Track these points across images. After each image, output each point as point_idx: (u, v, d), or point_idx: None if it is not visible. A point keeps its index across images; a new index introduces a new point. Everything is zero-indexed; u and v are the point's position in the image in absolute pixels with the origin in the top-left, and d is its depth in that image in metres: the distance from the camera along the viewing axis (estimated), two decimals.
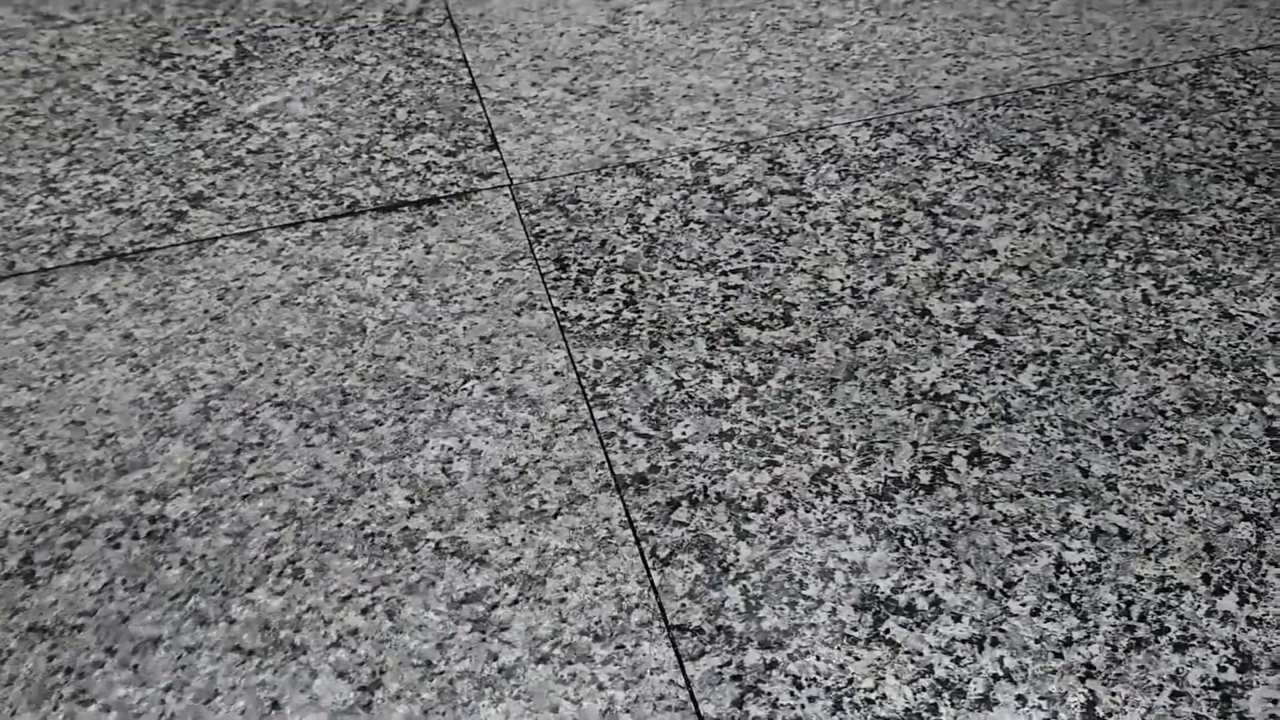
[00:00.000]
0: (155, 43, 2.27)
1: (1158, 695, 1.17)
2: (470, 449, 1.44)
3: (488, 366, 1.55)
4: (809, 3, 2.31)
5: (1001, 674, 1.19)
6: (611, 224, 1.78)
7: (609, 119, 2.01)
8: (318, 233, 1.79)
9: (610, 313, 1.63)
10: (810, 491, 1.38)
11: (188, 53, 2.23)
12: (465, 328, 1.61)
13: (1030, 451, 1.42)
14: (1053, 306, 1.61)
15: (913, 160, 1.89)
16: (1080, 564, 1.29)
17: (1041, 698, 1.17)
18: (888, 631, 1.23)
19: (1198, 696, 1.17)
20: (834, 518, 1.35)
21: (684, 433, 1.46)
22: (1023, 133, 1.94)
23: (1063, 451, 1.42)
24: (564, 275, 1.69)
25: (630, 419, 1.47)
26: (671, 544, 1.33)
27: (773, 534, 1.33)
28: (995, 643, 1.22)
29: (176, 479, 1.43)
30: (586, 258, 1.72)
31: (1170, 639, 1.22)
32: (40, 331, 1.63)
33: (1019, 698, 1.17)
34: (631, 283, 1.68)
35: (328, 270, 1.72)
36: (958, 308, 1.62)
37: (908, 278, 1.67)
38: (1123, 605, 1.25)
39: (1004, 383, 1.51)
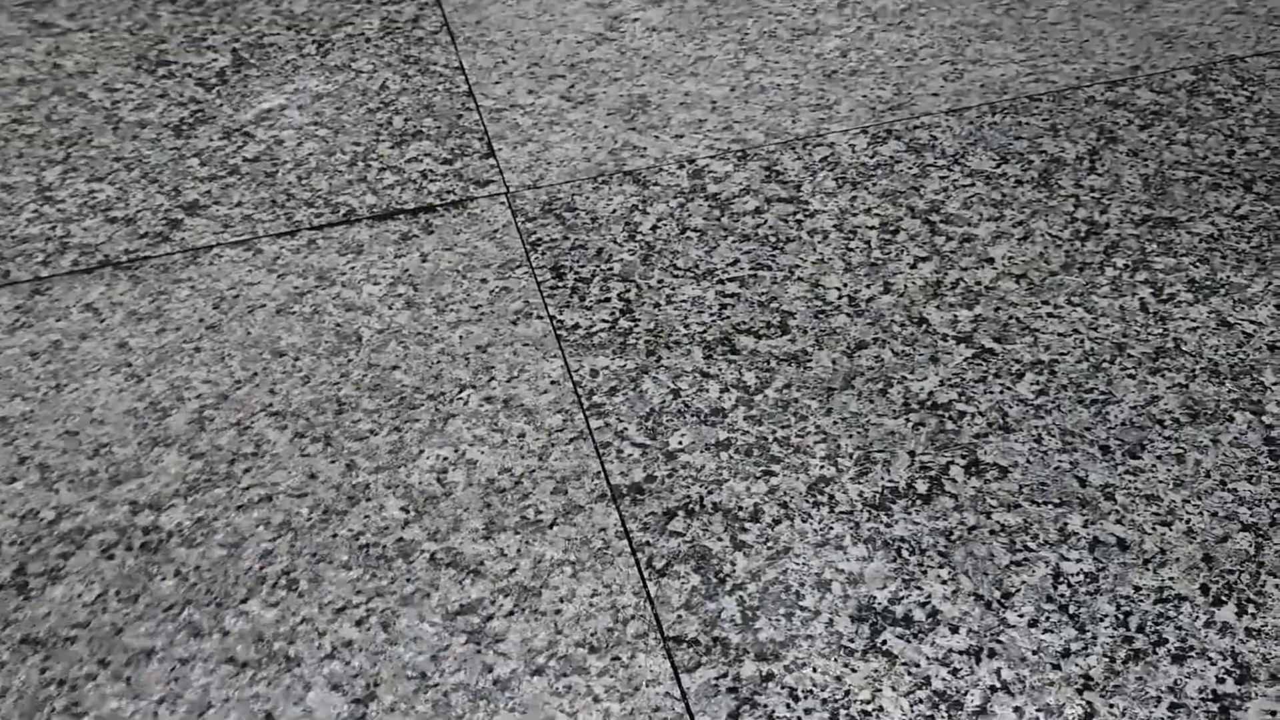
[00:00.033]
0: (151, 50, 2.27)
1: (1156, 707, 1.16)
2: (466, 459, 1.44)
3: (483, 375, 1.55)
4: (806, 10, 2.31)
5: (999, 686, 1.18)
6: (608, 232, 1.78)
7: (606, 126, 2.01)
8: (313, 241, 1.78)
9: (607, 321, 1.62)
10: (807, 501, 1.37)
11: (184, 60, 2.23)
12: (461, 336, 1.61)
13: (1028, 461, 1.41)
14: (1050, 315, 1.61)
15: (910, 168, 1.88)
16: (1078, 574, 1.28)
17: (1039, 710, 1.16)
18: (885, 643, 1.23)
19: (1196, 708, 1.16)
20: (831, 528, 1.34)
21: (680, 442, 1.45)
22: (1020, 140, 1.94)
23: (1060, 461, 1.41)
24: (560, 284, 1.69)
25: (626, 428, 1.47)
26: (668, 555, 1.32)
27: (769, 544, 1.33)
28: (993, 654, 1.21)
29: (171, 489, 1.42)
30: (583, 266, 1.72)
31: (1169, 650, 1.21)
32: (35, 341, 1.63)
33: (1016, 710, 1.16)
34: (628, 291, 1.67)
35: (323, 279, 1.71)
36: (955, 316, 1.61)
37: (905, 286, 1.66)
38: (1121, 616, 1.24)
39: (1001, 392, 1.50)
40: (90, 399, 1.54)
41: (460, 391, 1.53)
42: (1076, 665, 1.20)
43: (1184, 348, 1.55)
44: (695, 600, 1.27)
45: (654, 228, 1.78)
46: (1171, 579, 1.28)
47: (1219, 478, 1.39)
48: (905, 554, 1.31)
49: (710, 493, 1.39)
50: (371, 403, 1.52)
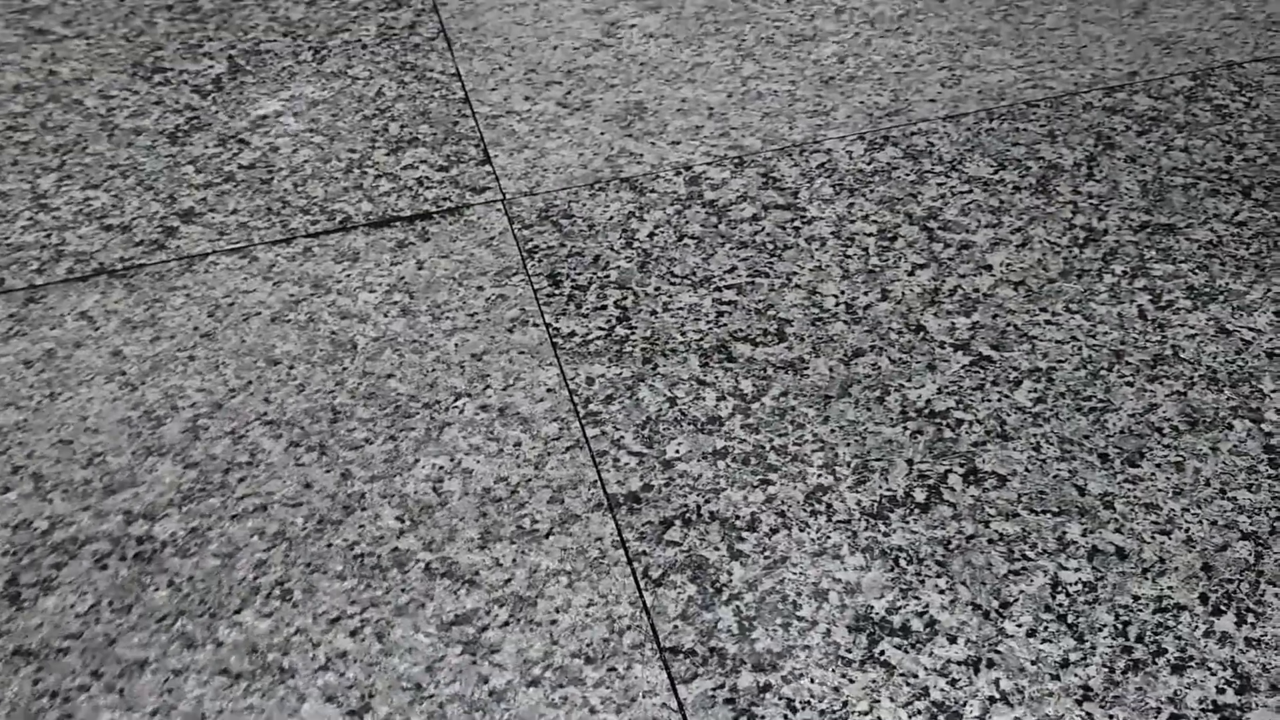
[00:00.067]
0: (148, 57, 2.26)
1: (1155, 718, 1.15)
2: (461, 468, 1.43)
3: (479, 384, 1.54)
4: (803, 16, 2.31)
5: (998, 696, 1.17)
6: (605, 239, 1.77)
7: (602, 133, 2.00)
8: (309, 249, 1.78)
9: (603, 329, 1.62)
10: (804, 510, 1.37)
11: (180, 67, 2.23)
12: (457, 344, 1.60)
13: (1026, 469, 1.41)
14: (1048, 322, 1.60)
15: (907, 174, 1.88)
16: (1077, 584, 1.28)
17: None
18: (882, 653, 1.22)
19: (1196, 719, 1.15)
20: (828, 537, 1.34)
21: (677, 451, 1.44)
22: (1018, 146, 1.93)
23: (1059, 469, 1.40)
24: (557, 291, 1.68)
25: (623, 437, 1.46)
26: (664, 564, 1.31)
27: (766, 554, 1.32)
28: (991, 664, 1.20)
29: (165, 499, 1.41)
30: (579, 273, 1.71)
31: (1168, 660, 1.20)
32: (29, 349, 1.62)
33: None
34: (625, 299, 1.67)
35: (319, 287, 1.70)
36: (953, 323, 1.60)
37: (903, 293, 1.66)
38: (1120, 626, 1.24)
39: (1000, 399, 1.49)
40: (84, 408, 1.53)
41: (456, 400, 1.52)
42: (1075, 675, 1.19)
43: (1183, 355, 1.55)
44: (692, 610, 1.26)
45: (651, 235, 1.78)
46: (1171, 588, 1.27)
47: (1218, 486, 1.38)
48: (903, 563, 1.31)
49: (707, 502, 1.38)
50: (366, 411, 1.51)
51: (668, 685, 1.19)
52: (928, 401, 1.50)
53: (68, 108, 2.13)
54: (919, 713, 1.16)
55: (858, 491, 1.39)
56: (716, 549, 1.33)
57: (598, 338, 1.60)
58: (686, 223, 1.80)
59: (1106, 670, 1.20)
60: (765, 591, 1.28)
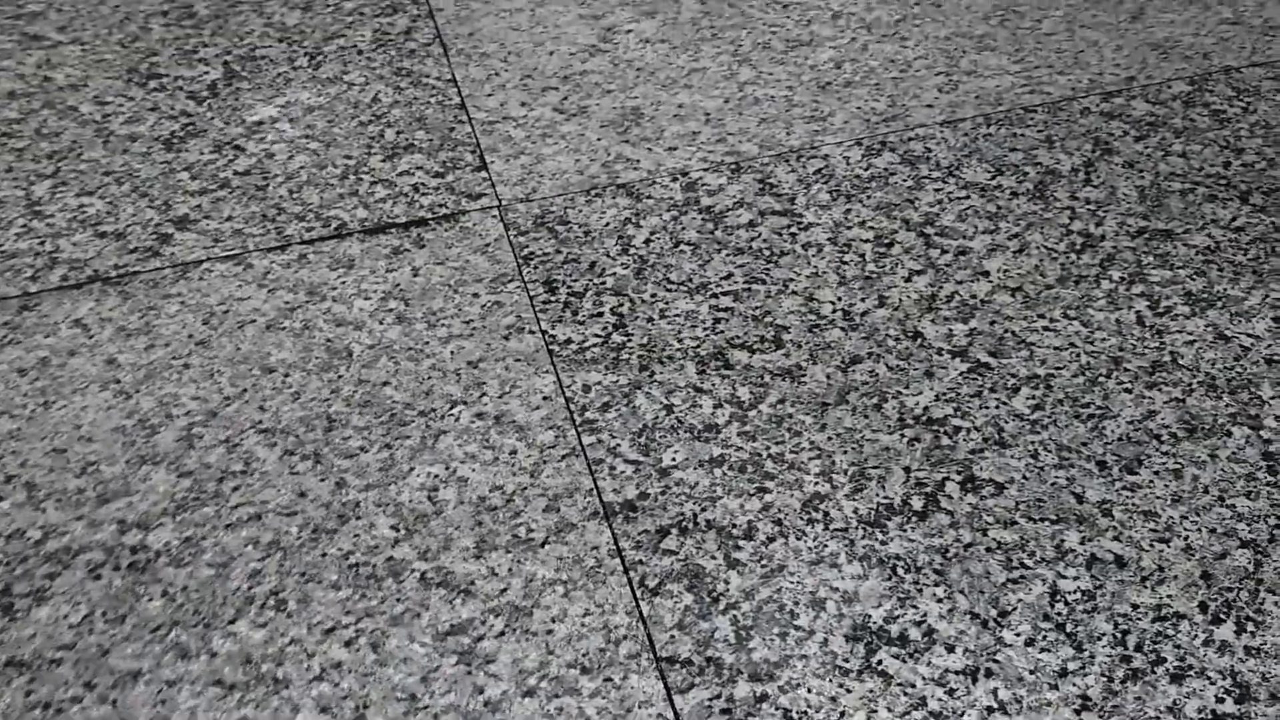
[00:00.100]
0: (143, 63, 2.25)
1: None
2: (457, 476, 1.42)
3: (475, 391, 1.53)
4: (800, 21, 2.30)
5: (996, 706, 1.17)
6: (601, 246, 1.77)
7: (599, 139, 1.99)
8: (304, 255, 1.77)
9: (599, 336, 1.61)
10: (801, 519, 1.36)
11: (175, 73, 2.22)
12: (452, 352, 1.59)
13: (1024, 477, 1.40)
14: (1046, 328, 1.60)
15: (905, 180, 1.87)
16: (1075, 592, 1.27)
17: None
18: (880, 663, 1.21)
19: None
20: (825, 545, 1.33)
21: (673, 459, 1.44)
22: (1015, 152, 1.93)
23: (1057, 477, 1.40)
24: (553, 298, 1.68)
25: (619, 445, 1.46)
26: (660, 573, 1.31)
27: (763, 562, 1.31)
28: (989, 674, 1.20)
29: (159, 508, 1.41)
30: (575, 280, 1.71)
31: (1167, 669, 1.20)
32: (23, 357, 1.61)
33: None
34: (621, 305, 1.66)
35: (314, 294, 1.70)
36: (950, 330, 1.60)
37: (900, 299, 1.65)
38: (1118, 635, 1.23)
39: (997, 406, 1.49)
40: (78, 416, 1.53)
41: (451, 408, 1.51)
42: (1074, 685, 1.18)
43: (1181, 361, 1.54)
44: (688, 620, 1.26)
45: (647, 241, 1.77)
46: (1170, 596, 1.27)
47: (1217, 493, 1.37)
48: (900, 572, 1.30)
49: (704, 510, 1.37)
50: (362, 419, 1.50)
51: (664, 695, 1.19)
52: (925, 409, 1.49)
53: (62, 114, 2.12)
54: None
55: (855, 499, 1.38)
56: (713, 558, 1.32)
57: (594, 345, 1.60)
58: (683, 229, 1.79)
59: (1105, 680, 1.19)
60: (762, 601, 1.27)
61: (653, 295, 1.67)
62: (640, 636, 1.24)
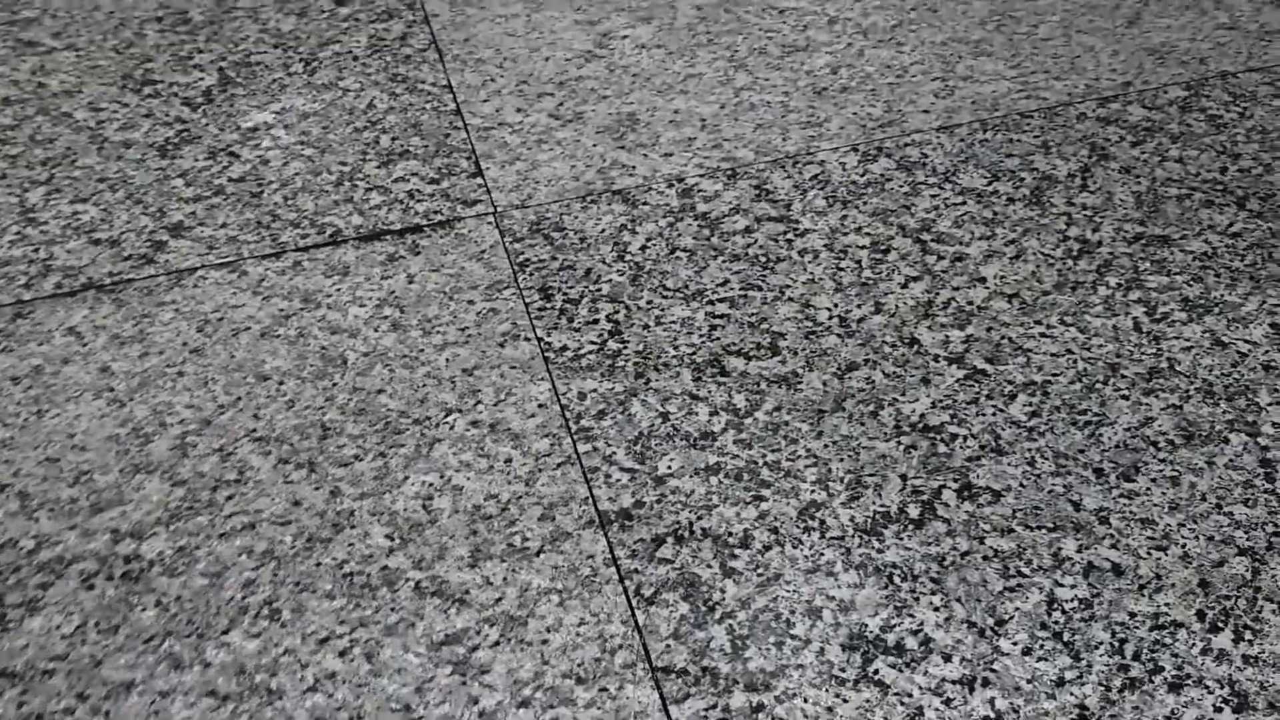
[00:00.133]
0: (137, 69, 2.25)
1: None
2: (451, 485, 1.42)
3: (470, 399, 1.53)
4: (796, 26, 2.30)
5: (993, 715, 1.16)
6: (597, 252, 1.76)
7: (594, 145, 1.99)
8: (299, 263, 1.76)
9: (595, 343, 1.61)
10: (798, 527, 1.35)
11: (170, 80, 2.21)
12: (448, 359, 1.59)
13: (1021, 484, 1.39)
14: (1043, 335, 1.59)
15: (901, 186, 1.87)
16: (1072, 601, 1.27)
17: None
18: (876, 672, 1.21)
19: None
20: (822, 554, 1.32)
21: (669, 467, 1.43)
22: (1012, 157, 1.92)
23: (1054, 484, 1.39)
24: (548, 305, 1.67)
25: (615, 453, 1.45)
26: (656, 582, 1.30)
27: (759, 571, 1.31)
28: (986, 683, 1.19)
29: (152, 517, 1.40)
30: (571, 287, 1.70)
31: (1165, 678, 1.19)
32: (16, 365, 1.61)
33: None
34: (617, 312, 1.65)
35: (309, 301, 1.69)
36: (947, 336, 1.59)
37: (896, 306, 1.65)
38: (1116, 644, 1.22)
39: (994, 414, 1.48)
40: (72, 425, 1.52)
41: (446, 416, 1.51)
42: (1072, 694, 1.18)
43: (1178, 368, 1.54)
44: (684, 629, 1.25)
45: (643, 248, 1.77)
46: (1167, 605, 1.26)
47: (1214, 501, 1.37)
48: (897, 580, 1.29)
49: (700, 518, 1.37)
50: (356, 428, 1.50)
51: (660, 705, 1.18)
52: (921, 416, 1.49)
53: (57, 120, 2.11)
54: None
55: (851, 507, 1.38)
56: (709, 566, 1.31)
57: (590, 352, 1.59)
58: (679, 235, 1.79)
59: (1103, 689, 1.18)
60: (758, 610, 1.27)
61: (648, 302, 1.67)
62: (636, 646, 1.24)
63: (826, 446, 1.45)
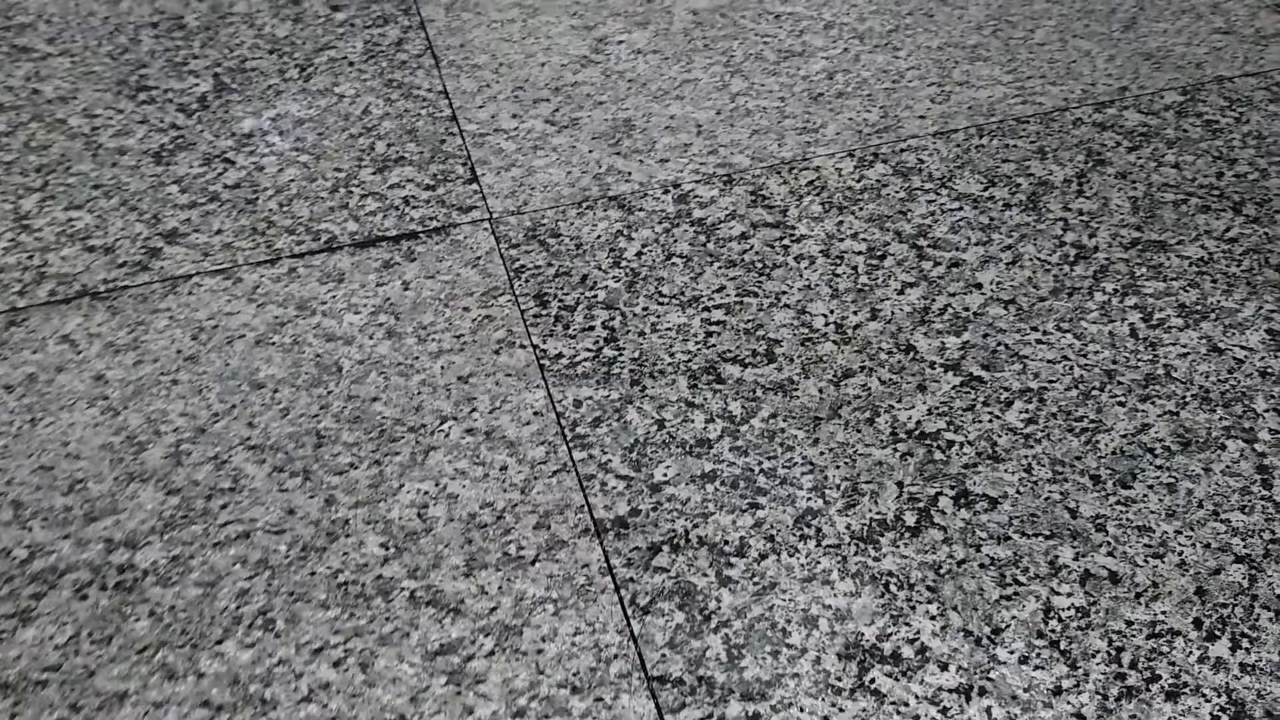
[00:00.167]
0: (132, 75, 2.24)
1: None
2: (447, 493, 1.41)
3: (465, 407, 1.52)
4: (793, 31, 2.30)
5: None
6: (593, 259, 1.76)
7: (590, 151, 1.99)
8: (294, 269, 1.76)
9: (591, 350, 1.60)
10: (794, 535, 1.35)
11: (165, 86, 2.21)
12: (443, 367, 1.58)
13: (1018, 492, 1.39)
14: (1039, 341, 1.59)
15: (897, 192, 1.87)
16: (1069, 609, 1.26)
17: None
18: (873, 681, 1.20)
19: None
20: (818, 562, 1.32)
21: (665, 474, 1.43)
22: (1008, 163, 1.92)
23: (1051, 491, 1.39)
24: (544, 312, 1.67)
25: (610, 460, 1.45)
26: (652, 591, 1.30)
27: (755, 580, 1.30)
28: (983, 692, 1.19)
29: (146, 526, 1.39)
30: (567, 294, 1.70)
31: (1162, 687, 1.19)
32: (9, 374, 1.60)
33: None
34: (613, 319, 1.65)
35: (304, 308, 1.69)
36: (943, 343, 1.59)
37: (892, 312, 1.64)
38: (1113, 652, 1.22)
39: (990, 420, 1.48)
40: (66, 433, 1.51)
41: (441, 424, 1.50)
42: (1069, 703, 1.18)
43: (1174, 374, 1.53)
44: (680, 638, 1.25)
45: (639, 254, 1.76)
46: (1164, 613, 1.26)
47: (1211, 508, 1.37)
48: (893, 589, 1.29)
49: (695, 526, 1.36)
50: (351, 435, 1.49)
51: (655, 715, 1.18)
52: (918, 423, 1.48)
53: (51, 127, 2.11)
54: None
55: (847, 515, 1.37)
56: (705, 575, 1.31)
57: (585, 359, 1.59)
58: (675, 241, 1.78)
59: (1100, 697, 1.18)
60: (754, 619, 1.26)
61: (644, 309, 1.66)
62: (631, 655, 1.23)
63: (823, 454, 1.45)
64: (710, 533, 1.36)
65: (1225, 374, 1.53)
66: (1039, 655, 1.22)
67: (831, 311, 1.65)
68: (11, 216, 1.89)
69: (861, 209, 1.83)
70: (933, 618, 1.26)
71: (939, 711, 1.17)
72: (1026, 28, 2.28)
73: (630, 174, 1.93)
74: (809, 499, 1.39)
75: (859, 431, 1.47)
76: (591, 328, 1.64)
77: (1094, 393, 1.51)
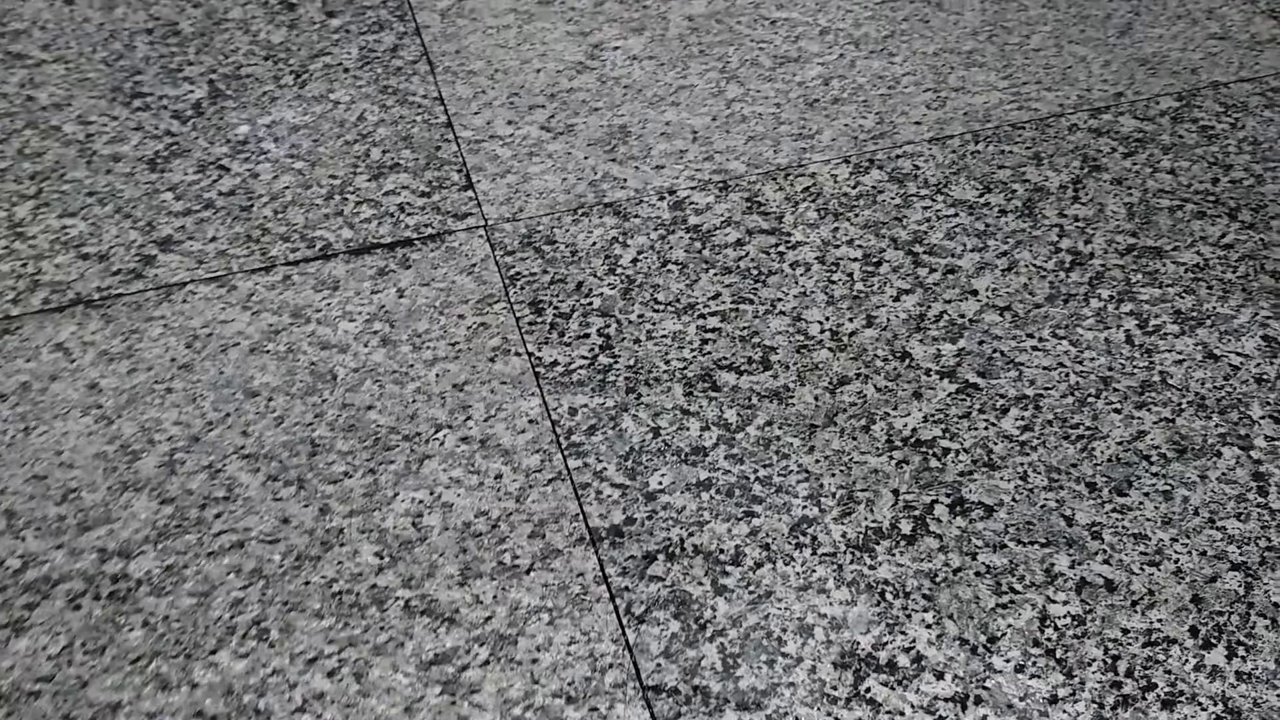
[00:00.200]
0: (127, 82, 2.24)
1: None
2: (441, 502, 1.41)
3: (460, 415, 1.52)
4: (788, 37, 2.30)
5: None
6: (588, 265, 1.76)
7: (586, 157, 1.98)
8: (289, 277, 1.76)
9: (586, 358, 1.60)
10: (789, 543, 1.35)
11: (160, 92, 2.21)
12: (438, 375, 1.58)
13: (1014, 499, 1.39)
14: (1035, 348, 1.59)
15: (893, 198, 1.86)
16: (1065, 617, 1.26)
17: None
18: (868, 690, 1.20)
19: None
20: (813, 570, 1.32)
21: (660, 482, 1.42)
22: (1004, 169, 1.92)
23: (1047, 499, 1.39)
24: (539, 319, 1.67)
25: (605, 468, 1.44)
26: (647, 600, 1.29)
27: (751, 588, 1.30)
28: (979, 701, 1.19)
29: (140, 535, 1.39)
30: (562, 301, 1.69)
31: (1158, 695, 1.19)
32: (3, 382, 1.60)
33: None
34: (608, 327, 1.65)
35: (298, 316, 1.68)
36: (938, 350, 1.59)
37: (888, 319, 1.64)
38: (1109, 660, 1.22)
39: (986, 428, 1.48)
40: (59, 442, 1.51)
41: (436, 432, 1.50)
42: (1065, 712, 1.17)
43: (1170, 381, 1.53)
44: (675, 648, 1.24)
45: (634, 261, 1.76)
46: (1160, 621, 1.26)
47: (1207, 515, 1.36)
48: (889, 597, 1.29)
49: (691, 535, 1.36)
50: (346, 444, 1.49)
51: None
52: (914, 430, 1.48)
53: (45, 134, 2.11)
54: None
55: (843, 523, 1.37)
56: (700, 584, 1.31)
57: (580, 367, 1.59)
58: (670, 248, 1.78)
59: (1096, 706, 1.18)
60: (750, 628, 1.26)
61: (640, 316, 1.66)
62: (626, 665, 1.23)
63: (818, 461, 1.44)
64: (705, 541, 1.35)
65: (1221, 380, 1.53)
66: (1035, 664, 1.22)
67: (827, 318, 1.65)
68: (5, 224, 1.89)
69: (857, 215, 1.83)
70: (928, 626, 1.26)
71: None
72: (1022, 33, 2.28)
73: (626, 180, 1.93)
74: (804, 507, 1.39)
75: (854, 439, 1.47)
76: (587, 335, 1.63)
77: (1090, 399, 1.51)
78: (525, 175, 1.95)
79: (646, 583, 1.31)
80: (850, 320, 1.64)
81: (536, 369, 1.58)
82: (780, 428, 1.49)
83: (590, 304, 1.69)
